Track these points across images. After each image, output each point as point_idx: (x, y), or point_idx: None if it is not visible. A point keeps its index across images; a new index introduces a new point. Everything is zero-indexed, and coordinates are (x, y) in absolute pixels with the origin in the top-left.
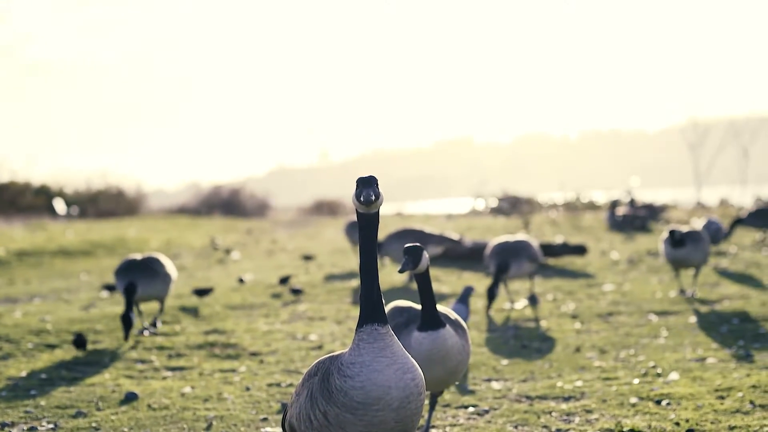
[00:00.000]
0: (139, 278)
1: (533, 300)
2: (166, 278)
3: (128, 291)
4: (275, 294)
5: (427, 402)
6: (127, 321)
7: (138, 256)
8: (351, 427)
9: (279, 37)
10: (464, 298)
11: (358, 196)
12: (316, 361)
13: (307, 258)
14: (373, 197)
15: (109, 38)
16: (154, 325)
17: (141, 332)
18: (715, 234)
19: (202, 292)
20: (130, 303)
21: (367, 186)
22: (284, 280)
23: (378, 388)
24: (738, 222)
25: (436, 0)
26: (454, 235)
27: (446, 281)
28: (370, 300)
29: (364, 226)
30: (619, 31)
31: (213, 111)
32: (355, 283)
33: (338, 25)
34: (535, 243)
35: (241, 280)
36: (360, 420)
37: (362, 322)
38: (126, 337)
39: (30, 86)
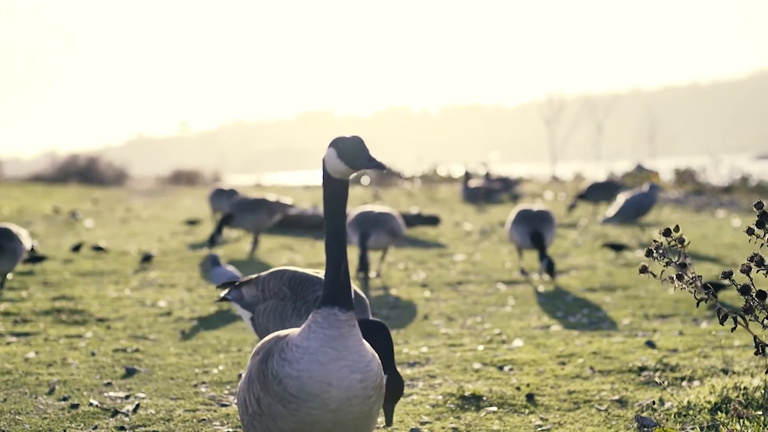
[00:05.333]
0: None
1: (364, 265)
2: (14, 254)
3: None
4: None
5: None
6: None
7: None
8: (282, 421)
9: (138, 5)
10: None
11: (356, 156)
12: (266, 337)
13: (192, 223)
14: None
15: None
16: None
17: None
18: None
19: (36, 259)
20: None
21: (364, 146)
22: (147, 258)
23: (315, 382)
24: (581, 196)
25: None
26: (287, 199)
27: (299, 250)
28: (335, 280)
29: (336, 196)
30: (479, 8)
31: (72, 78)
32: (208, 251)
33: None
34: (397, 216)
35: (98, 248)
36: (292, 415)
37: (322, 304)
38: None
39: None
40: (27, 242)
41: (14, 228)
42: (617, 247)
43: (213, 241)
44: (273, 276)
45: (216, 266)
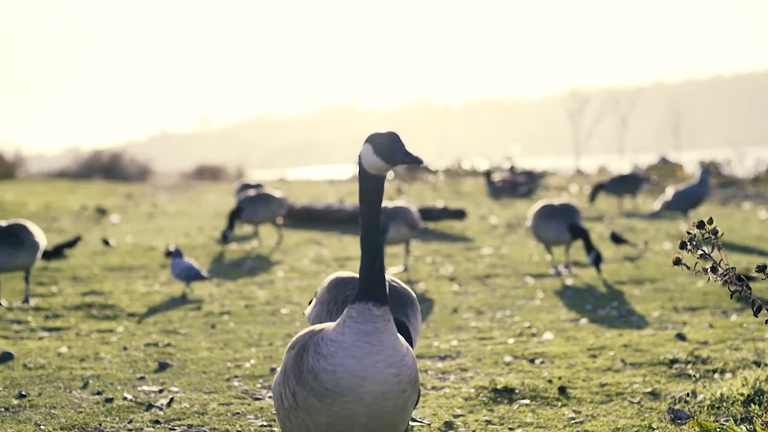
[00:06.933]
0: (1, 246)
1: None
2: (33, 247)
3: None
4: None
5: None
6: None
7: (3, 223)
8: (317, 415)
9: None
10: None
11: (393, 152)
12: (301, 331)
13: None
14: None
15: None
16: (26, 301)
17: None
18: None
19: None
20: None
21: (400, 141)
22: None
23: (350, 377)
24: (600, 188)
25: None
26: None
27: (327, 244)
28: (370, 274)
29: (373, 191)
30: (501, 0)
31: (93, 75)
32: (236, 245)
33: None
34: (414, 209)
35: (106, 243)
36: (327, 409)
37: (356, 298)
38: None
39: None
40: (42, 239)
41: (29, 224)
42: (618, 240)
43: (225, 237)
44: (325, 283)
45: (176, 258)
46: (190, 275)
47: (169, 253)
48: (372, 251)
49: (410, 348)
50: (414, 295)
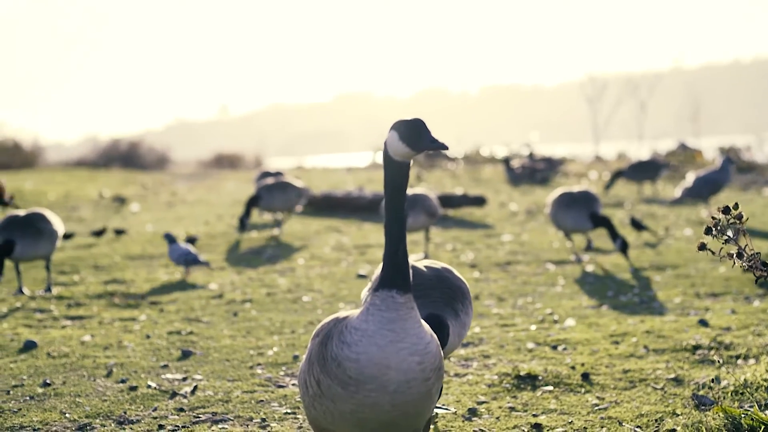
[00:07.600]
0: (19, 237)
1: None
2: (51, 236)
3: (4, 250)
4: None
5: None
6: None
7: (21, 213)
8: (341, 403)
9: None
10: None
11: (419, 138)
12: (325, 319)
13: None
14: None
15: None
16: (48, 290)
17: (19, 292)
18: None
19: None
20: (1, 263)
21: (426, 128)
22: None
23: (374, 365)
24: (619, 174)
25: None
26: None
27: (347, 232)
28: (393, 262)
29: (397, 178)
30: None
31: (110, 64)
32: (256, 233)
33: None
34: (433, 196)
35: (118, 232)
36: (351, 397)
37: (379, 286)
38: None
39: None
40: (60, 227)
41: (48, 213)
42: (638, 226)
43: (243, 224)
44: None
45: (172, 244)
46: (188, 260)
47: (189, 241)
48: (395, 239)
49: (434, 335)
50: (467, 287)
